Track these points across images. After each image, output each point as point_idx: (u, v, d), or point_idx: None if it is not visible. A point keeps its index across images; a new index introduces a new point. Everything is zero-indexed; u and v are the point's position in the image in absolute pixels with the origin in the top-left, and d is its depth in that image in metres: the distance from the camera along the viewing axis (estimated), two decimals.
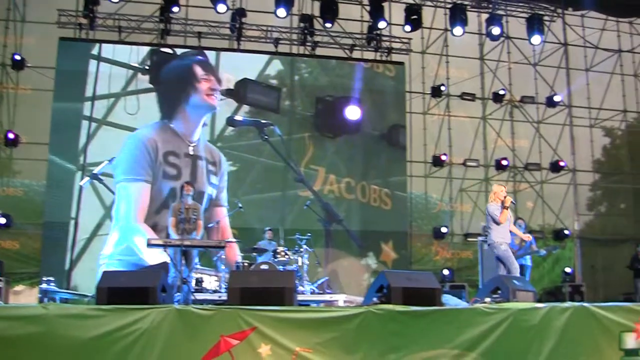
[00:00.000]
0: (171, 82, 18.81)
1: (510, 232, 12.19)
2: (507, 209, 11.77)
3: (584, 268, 19.98)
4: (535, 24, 21.06)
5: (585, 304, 9.38)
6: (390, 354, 8.01)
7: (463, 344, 8.26)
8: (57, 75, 18.56)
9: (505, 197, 11.84)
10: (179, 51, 19.50)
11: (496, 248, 11.76)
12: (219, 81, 18.96)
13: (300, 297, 11.07)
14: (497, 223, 11.74)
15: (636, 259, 16.72)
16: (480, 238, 17.71)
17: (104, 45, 19.11)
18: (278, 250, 13.22)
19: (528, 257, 14.53)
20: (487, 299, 9.90)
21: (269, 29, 20.30)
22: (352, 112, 19.86)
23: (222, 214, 17.84)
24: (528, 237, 12.46)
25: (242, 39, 20.10)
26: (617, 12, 23.14)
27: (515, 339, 8.41)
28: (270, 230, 15.42)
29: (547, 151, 22.59)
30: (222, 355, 7.53)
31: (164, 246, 10.72)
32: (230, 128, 19.07)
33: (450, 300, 10.35)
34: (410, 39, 21.23)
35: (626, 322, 9.09)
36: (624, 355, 9.00)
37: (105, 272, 8.50)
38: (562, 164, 22.16)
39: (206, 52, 19.56)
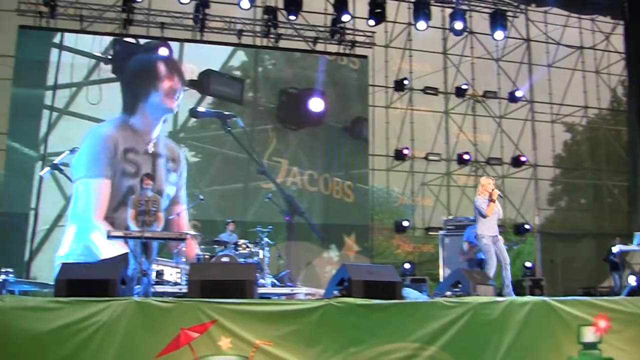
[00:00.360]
0: (134, 76, 18.63)
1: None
2: (494, 202, 11.74)
3: (544, 262, 20.17)
4: (498, 20, 21.20)
5: (544, 298, 9.47)
6: (350, 347, 8.01)
7: (423, 338, 8.29)
8: (16, 64, 18.30)
9: (492, 190, 11.80)
10: (142, 41, 19.32)
11: (479, 240, 11.78)
12: (182, 80, 18.79)
13: (261, 290, 11.06)
14: (484, 216, 11.72)
15: (611, 252, 16.86)
16: (441, 232, 17.87)
17: (66, 34, 18.86)
18: (239, 243, 13.19)
19: None
20: (448, 293, 9.95)
21: (233, 20, 20.17)
22: (316, 104, 19.83)
23: (181, 210, 17.72)
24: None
25: (205, 30, 19.97)
26: (579, 9, 23.36)
27: (475, 333, 8.46)
28: (231, 222, 15.36)
29: (509, 146, 22.77)
30: (182, 348, 7.49)
31: (124, 238, 10.63)
32: (193, 119, 18.96)
33: (410, 294, 10.38)
34: (373, 32, 21.23)
35: (585, 316, 9.17)
36: (582, 349, 9.08)
37: (64, 264, 8.38)
38: (523, 159, 22.34)
39: (170, 42, 19.40)
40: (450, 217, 18.74)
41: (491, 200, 11.68)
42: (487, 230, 11.71)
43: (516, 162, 22.38)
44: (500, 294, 10.75)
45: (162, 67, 18.64)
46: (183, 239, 11.77)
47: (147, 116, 18.23)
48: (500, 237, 11.92)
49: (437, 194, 22.34)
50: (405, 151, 21.48)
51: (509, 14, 22.27)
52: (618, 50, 24.01)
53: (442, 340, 8.31)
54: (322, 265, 18.97)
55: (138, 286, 9.86)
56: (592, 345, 9.14)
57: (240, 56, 20.25)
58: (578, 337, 9.11)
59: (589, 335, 9.17)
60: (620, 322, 9.31)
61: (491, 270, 11.61)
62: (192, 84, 19.12)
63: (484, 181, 12.14)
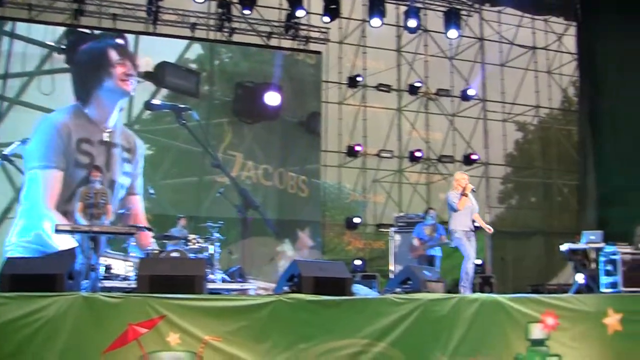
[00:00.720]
0: (85, 65, 18.29)
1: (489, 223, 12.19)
2: (466, 196, 11.71)
3: (494, 260, 20.33)
4: (452, 18, 21.34)
5: (494, 295, 9.58)
6: (300, 343, 8.03)
7: (373, 334, 8.34)
8: None
9: (466, 185, 11.77)
10: (97, 31, 19.07)
11: (452, 235, 11.79)
12: (135, 66, 18.53)
13: (211, 286, 10.98)
14: (455, 210, 11.69)
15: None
16: (392, 229, 17.94)
17: (18, 22, 18.53)
18: (189, 238, 13.11)
19: (438, 247, 14.69)
20: (398, 289, 10.00)
21: (186, 13, 20.02)
22: (272, 99, 19.74)
23: (136, 201, 17.56)
24: (489, 229, 12.38)
25: (159, 22, 19.77)
26: (532, 10, 23.61)
27: (424, 329, 8.53)
28: (183, 218, 15.25)
29: (461, 144, 22.94)
30: (129, 344, 7.43)
31: (72, 232, 10.49)
32: (148, 111, 18.76)
33: (360, 290, 10.40)
34: (328, 28, 21.21)
35: (533, 313, 9.32)
36: (530, 345, 9.23)
37: (9, 259, 8.30)
38: (474, 157, 22.51)
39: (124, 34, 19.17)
40: (402, 214, 18.79)
41: (463, 194, 11.69)
42: (460, 225, 11.65)
43: (467, 160, 22.54)
44: (450, 291, 10.84)
45: (113, 53, 18.29)
46: (131, 234, 11.65)
47: (102, 104, 17.92)
48: (473, 233, 11.86)
49: (388, 191, 22.43)
50: (358, 148, 21.53)
51: (463, 13, 22.44)
52: (570, 51, 24.30)
53: (392, 336, 8.37)
54: (276, 260, 18.93)
55: (86, 281, 9.74)
56: (540, 342, 9.31)
57: (197, 49, 20.09)
58: (526, 334, 9.26)
59: (537, 332, 9.33)
60: (568, 320, 9.48)
61: (469, 265, 11.59)
62: (147, 76, 18.89)
63: (457, 176, 12.11)
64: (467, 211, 11.74)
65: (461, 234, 11.62)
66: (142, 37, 19.28)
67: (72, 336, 7.30)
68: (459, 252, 11.81)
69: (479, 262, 19.82)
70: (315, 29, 21.15)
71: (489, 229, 12.20)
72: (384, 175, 22.42)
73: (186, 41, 19.90)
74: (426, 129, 23.00)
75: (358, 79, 21.92)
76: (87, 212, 11.66)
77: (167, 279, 8.18)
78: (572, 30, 24.10)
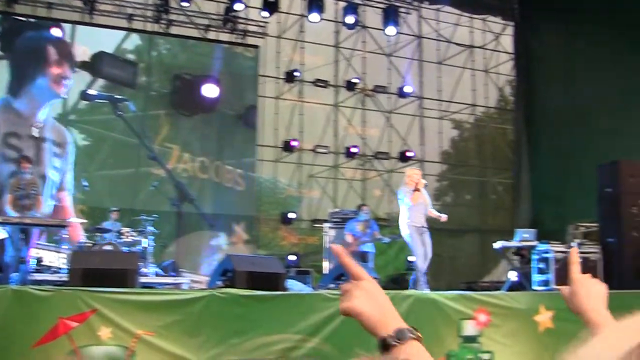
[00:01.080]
0: (22, 56, 17.97)
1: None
2: (418, 191, 11.70)
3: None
4: (391, 15, 21.49)
5: (427, 292, 9.70)
6: (233, 337, 8.03)
7: (306, 329, 8.39)
8: None
9: (418, 180, 11.74)
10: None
11: (402, 231, 11.80)
12: (72, 66, 18.26)
13: (143, 280, 10.92)
14: (406, 205, 11.67)
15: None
16: (326, 224, 17.99)
17: None
18: (122, 231, 13.01)
19: (371, 244, 14.80)
20: (331, 285, 10.06)
21: (123, 4, 19.76)
22: (210, 91, 19.64)
23: (65, 197, 17.32)
24: (444, 219, 12.35)
25: (95, 12, 19.48)
26: (471, 9, 23.87)
27: (357, 325, 8.57)
28: (116, 210, 15.08)
29: (397, 141, 23.08)
30: (60, 338, 7.35)
31: (3, 224, 10.33)
32: (84, 102, 18.48)
33: (294, 286, 10.46)
34: (266, 22, 21.17)
35: (466, 310, 9.45)
36: (462, 342, 9.36)
37: None
38: (410, 154, 22.64)
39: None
40: (337, 210, 18.85)
41: (415, 189, 11.66)
42: (411, 220, 11.65)
43: (403, 157, 22.67)
44: (384, 287, 10.91)
45: (52, 52, 18.03)
46: (64, 226, 11.52)
47: (33, 99, 17.64)
48: (427, 229, 11.91)
49: (324, 187, 22.47)
50: (294, 143, 21.51)
51: (402, 10, 22.57)
52: (507, 51, 24.62)
53: (325, 332, 8.43)
54: (211, 253, 18.86)
55: (15, 273, 9.60)
56: (472, 339, 9.44)
57: (135, 39, 19.87)
58: (459, 331, 9.38)
59: (469, 328, 9.47)
60: (500, 317, 9.65)
61: (419, 261, 11.71)
62: (83, 65, 18.62)
63: (409, 172, 12.17)
64: (420, 207, 11.75)
65: (412, 230, 11.64)
66: (79, 27, 19.00)
67: (0, 330, 7.19)
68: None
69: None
70: (254, 23, 21.08)
71: (443, 218, 12.22)
72: (319, 171, 22.43)
73: (124, 32, 19.66)
74: (363, 125, 23.08)
75: (295, 74, 21.85)
76: (18, 203, 11.49)
77: (99, 272, 8.13)
78: (510, 30, 24.43)
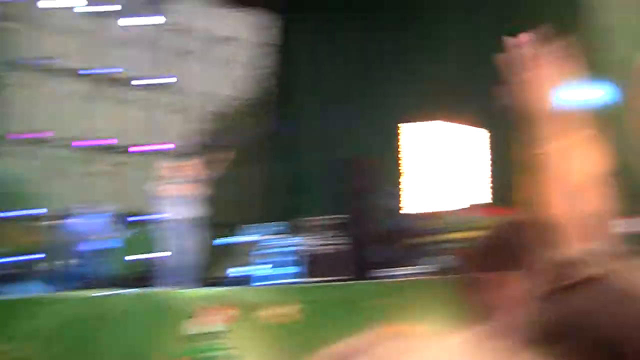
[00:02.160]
0: None
1: None
2: (176, 185, 12.03)
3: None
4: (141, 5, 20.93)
5: (159, 290, 9.64)
6: None
7: (26, 335, 7.90)
8: None
9: (176, 174, 12.08)
10: None
11: (159, 225, 12.10)
12: None
13: None
14: (163, 199, 11.92)
15: None
16: (65, 222, 17.22)
17: None
18: None
19: (107, 241, 14.47)
20: (59, 287, 9.75)
21: None
22: None
23: None
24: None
25: None
26: (231, 2, 23.71)
27: (78, 327, 8.32)
28: None
29: (132, 133, 22.39)
30: None
31: None
32: None
33: (21, 289, 10.02)
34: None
35: (205, 306, 9.38)
36: (201, 339, 9.45)
37: None
38: (146, 147, 21.94)
39: None
40: (77, 206, 18.13)
41: (174, 183, 12.00)
42: (169, 214, 11.80)
43: (136, 150, 21.97)
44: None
45: None
46: None
47: None
48: (187, 224, 12.11)
49: (69, 181, 21.48)
50: (36, 135, 20.37)
51: None
52: (261, 43, 24.58)
53: (44, 336, 8.14)
54: None
55: None
56: (214, 335, 9.41)
57: None
58: (197, 328, 9.33)
59: (211, 325, 9.49)
60: (245, 311, 9.72)
61: (170, 257, 11.82)
62: None
63: (168, 165, 12.70)
64: (179, 201, 11.86)
65: (167, 224, 11.75)
66: None
67: None
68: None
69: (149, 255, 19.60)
70: None
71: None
72: (60, 165, 21.32)
73: None
74: (94, 116, 22.15)
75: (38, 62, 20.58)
76: None
77: None
78: (260, 21, 24.43)
